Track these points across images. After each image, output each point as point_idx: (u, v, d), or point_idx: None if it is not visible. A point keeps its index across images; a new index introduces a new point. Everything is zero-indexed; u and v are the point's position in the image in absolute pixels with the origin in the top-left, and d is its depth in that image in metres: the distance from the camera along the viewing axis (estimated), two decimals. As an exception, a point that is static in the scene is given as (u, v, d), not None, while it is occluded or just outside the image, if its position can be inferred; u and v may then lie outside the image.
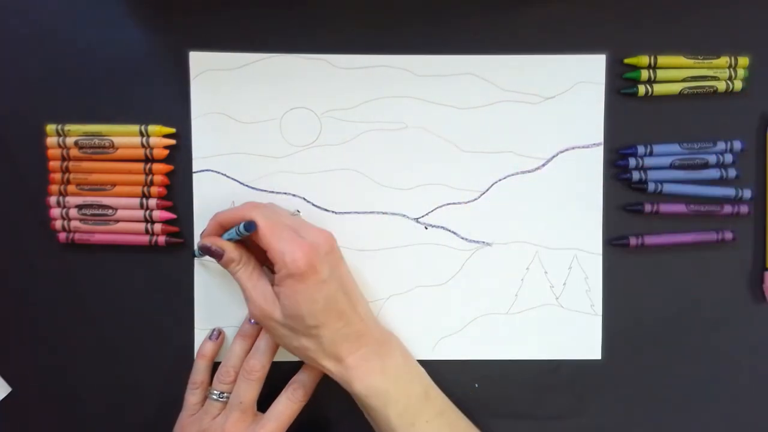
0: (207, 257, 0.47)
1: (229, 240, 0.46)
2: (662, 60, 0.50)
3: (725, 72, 0.50)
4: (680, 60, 0.50)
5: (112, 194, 0.49)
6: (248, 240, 0.45)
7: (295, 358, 0.50)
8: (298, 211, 0.48)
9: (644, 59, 0.50)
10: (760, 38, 0.51)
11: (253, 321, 0.49)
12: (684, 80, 0.50)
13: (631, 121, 0.50)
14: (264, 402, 0.47)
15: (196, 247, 0.49)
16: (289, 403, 0.47)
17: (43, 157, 0.49)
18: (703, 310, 0.51)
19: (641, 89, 0.50)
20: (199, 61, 0.49)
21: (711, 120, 0.51)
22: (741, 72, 0.50)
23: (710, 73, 0.50)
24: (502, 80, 0.50)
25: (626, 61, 0.50)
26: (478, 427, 0.48)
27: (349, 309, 0.45)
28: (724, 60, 0.50)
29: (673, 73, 0.50)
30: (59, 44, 0.49)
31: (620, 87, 0.50)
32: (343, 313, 0.44)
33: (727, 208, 0.50)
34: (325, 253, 0.43)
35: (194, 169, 0.50)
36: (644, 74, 0.50)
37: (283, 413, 0.46)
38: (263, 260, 0.46)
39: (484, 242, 0.51)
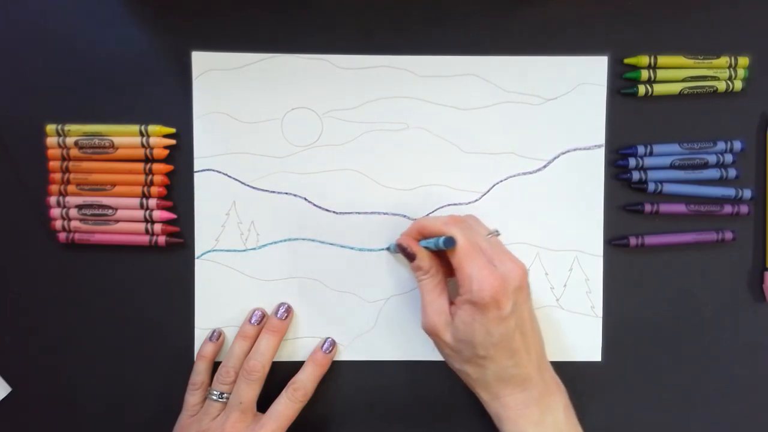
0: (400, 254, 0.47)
1: (426, 248, 0.45)
2: (662, 60, 0.50)
3: (725, 72, 0.50)
4: (680, 60, 0.50)
5: (112, 194, 0.49)
6: (442, 252, 0.44)
7: (296, 358, 0.50)
8: (497, 231, 0.46)
9: (644, 59, 0.50)
10: (760, 38, 0.51)
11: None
12: (684, 80, 0.50)
13: (631, 121, 0.50)
14: (264, 402, 0.47)
15: (394, 241, 0.49)
16: (289, 403, 0.47)
17: (43, 157, 0.49)
18: (703, 310, 0.51)
19: (641, 89, 0.50)
20: (201, 61, 0.49)
21: (711, 120, 0.51)
22: (741, 72, 0.50)
23: (710, 73, 0.50)
24: (504, 81, 0.50)
25: (626, 61, 0.50)
26: (477, 427, 0.48)
27: (522, 350, 0.43)
28: (724, 60, 0.50)
29: (673, 73, 0.50)
30: (59, 44, 0.49)
31: (620, 87, 0.50)
32: (516, 352, 0.43)
33: (727, 208, 0.50)
34: (513, 290, 0.42)
35: (195, 169, 0.50)
36: (644, 74, 0.50)
37: (283, 413, 0.46)
38: (450, 273, 0.45)
39: (484, 242, 0.50)
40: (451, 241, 0.42)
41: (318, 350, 0.50)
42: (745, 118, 0.51)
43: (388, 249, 0.50)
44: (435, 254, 0.45)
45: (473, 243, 0.43)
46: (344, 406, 0.51)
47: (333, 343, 0.50)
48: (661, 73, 0.50)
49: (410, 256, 0.45)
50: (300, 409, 0.47)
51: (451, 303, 0.44)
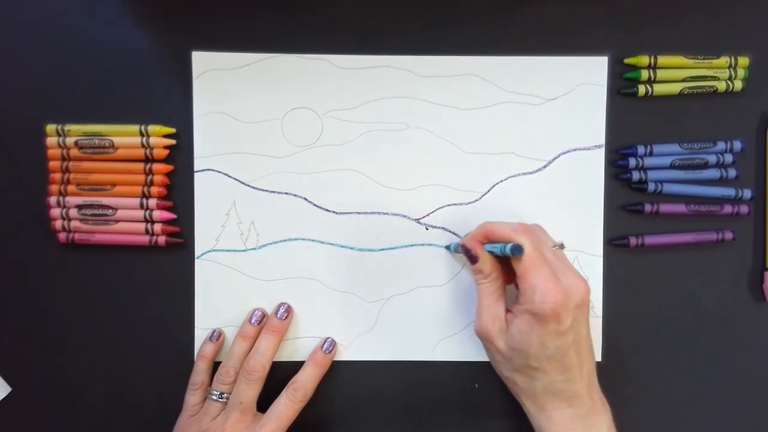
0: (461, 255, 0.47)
1: (491, 252, 0.45)
2: (662, 60, 0.50)
3: (725, 72, 0.50)
4: (680, 60, 0.50)
5: (112, 194, 0.49)
6: (505, 258, 0.44)
7: (296, 358, 0.50)
8: (562, 244, 0.46)
9: (644, 59, 0.50)
10: (760, 38, 0.51)
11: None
12: (684, 80, 0.50)
13: (631, 121, 0.50)
14: (264, 402, 0.47)
15: (457, 240, 0.49)
16: (289, 403, 0.47)
17: (43, 157, 0.49)
18: (703, 310, 0.51)
19: (641, 89, 0.50)
20: (201, 60, 0.49)
21: (711, 120, 0.51)
22: (741, 72, 0.50)
23: (710, 73, 0.50)
24: (504, 81, 0.50)
25: (626, 61, 0.50)
26: (477, 427, 0.48)
27: (575, 366, 0.43)
28: (724, 60, 0.50)
29: (673, 73, 0.50)
30: (59, 44, 0.49)
31: (620, 87, 0.50)
32: (568, 368, 0.42)
33: (727, 208, 0.50)
34: (575, 305, 0.41)
35: (195, 169, 0.50)
36: (644, 74, 0.50)
37: (283, 413, 0.46)
38: (509, 280, 0.45)
39: (484, 242, 0.51)
40: (518, 249, 0.42)
41: (318, 350, 0.50)
42: (745, 118, 0.51)
43: (447, 248, 0.50)
44: (497, 259, 0.45)
45: (540, 253, 0.42)
46: (344, 406, 0.51)
47: (333, 343, 0.50)
48: (661, 73, 0.50)
49: (473, 258, 0.45)
50: (300, 409, 0.47)
51: (507, 310, 0.44)
